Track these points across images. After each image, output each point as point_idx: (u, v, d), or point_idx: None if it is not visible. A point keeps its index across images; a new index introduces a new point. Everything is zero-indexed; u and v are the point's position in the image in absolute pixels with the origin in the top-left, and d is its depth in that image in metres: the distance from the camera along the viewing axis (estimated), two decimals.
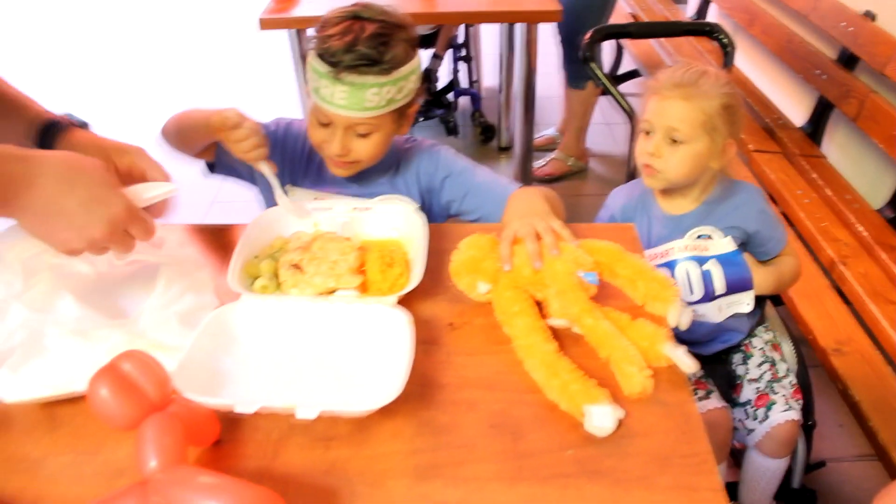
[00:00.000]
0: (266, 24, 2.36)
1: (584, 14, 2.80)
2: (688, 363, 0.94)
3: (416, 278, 1.06)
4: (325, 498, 0.80)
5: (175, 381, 0.84)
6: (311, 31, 1.31)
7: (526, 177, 2.77)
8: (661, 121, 1.40)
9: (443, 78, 3.59)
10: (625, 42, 3.59)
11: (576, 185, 3.22)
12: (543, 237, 1.05)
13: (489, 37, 3.84)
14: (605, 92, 3.83)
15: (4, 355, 0.88)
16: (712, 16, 3.78)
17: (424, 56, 3.52)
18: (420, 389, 0.94)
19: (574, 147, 3.21)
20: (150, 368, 0.81)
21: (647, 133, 1.44)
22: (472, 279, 1.06)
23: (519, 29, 2.43)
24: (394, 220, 1.22)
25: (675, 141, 1.39)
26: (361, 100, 1.23)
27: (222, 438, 0.88)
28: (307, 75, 1.29)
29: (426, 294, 1.10)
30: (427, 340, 1.02)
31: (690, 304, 1.46)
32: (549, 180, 3.18)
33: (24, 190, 0.83)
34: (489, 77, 3.94)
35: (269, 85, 4.31)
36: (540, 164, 3.23)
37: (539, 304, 1.05)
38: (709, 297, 1.45)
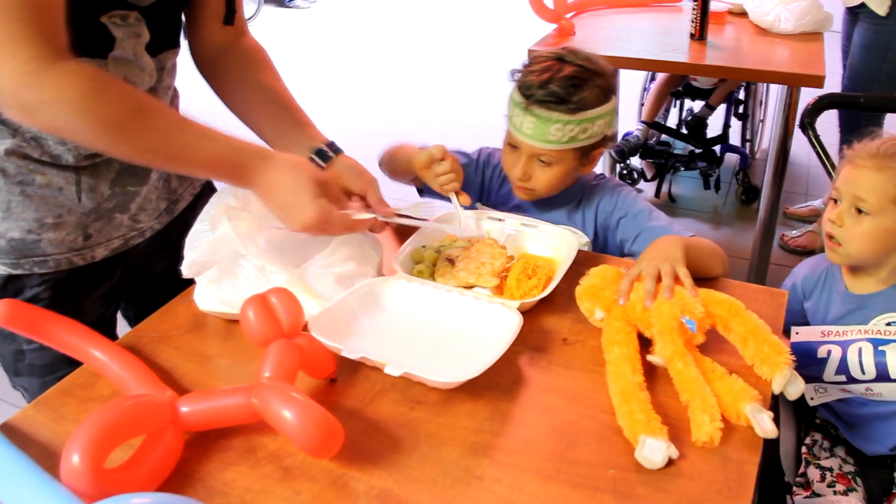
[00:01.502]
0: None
1: (871, 85, 2.66)
2: (767, 428, 0.95)
3: (545, 292, 1.17)
4: (391, 444, 0.96)
5: (310, 322, 1.05)
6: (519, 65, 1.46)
7: (768, 241, 2.67)
8: (848, 189, 1.37)
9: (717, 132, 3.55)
10: None
11: None
12: (663, 279, 1.11)
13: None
14: None
15: (206, 265, 1.15)
16: None
17: (698, 107, 3.51)
18: (510, 384, 1.06)
19: None
20: (291, 305, 1.03)
21: (835, 202, 1.40)
22: (591, 304, 1.15)
23: (779, 90, 2.38)
24: (554, 240, 1.34)
25: (860, 211, 1.34)
26: (545, 132, 1.35)
27: (338, 378, 1.07)
28: (505, 108, 1.44)
29: (557, 309, 1.20)
30: (537, 347, 1.13)
31: (863, 381, 1.39)
32: (800, 252, 3.02)
33: (257, 177, 1.09)
34: (767, 140, 3.80)
35: None
36: (794, 234, 3.08)
37: (647, 340, 1.10)
38: (882, 378, 1.37)
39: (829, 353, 1.41)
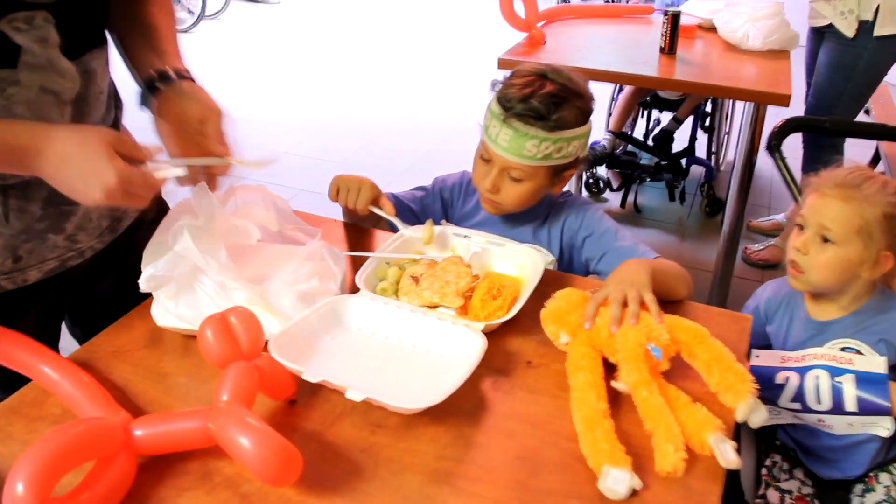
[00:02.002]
0: (504, 64, 2.54)
1: (835, 104, 2.69)
2: (730, 459, 0.95)
3: (508, 315, 1.16)
4: (351, 470, 0.94)
5: (270, 342, 1.02)
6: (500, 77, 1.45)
7: (730, 256, 2.70)
8: (814, 217, 1.38)
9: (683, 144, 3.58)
10: None
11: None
12: (629, 305, 1.11)
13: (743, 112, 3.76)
14: None
15: (164, 280, 1.12)
16: None
17: (666, 118, 3.53)
18: (473, 408, 1.04)
19: None
20: (250, 325, 1.00)
21: (801, 228, 1.41)
22: (556, 328, 1.14)
23: (745, 106, 2.40)
24: (520, 259, 1.33)
25: (825, 240, 1.35)
26: (521, 147, 1.34)
27: (298, 400, 1.04)
28: (483, 118, 1.43)
29: (521, 330, 1.19)
30: (501, 370, 1.12)
31: (816, 412, 1.40)
32: (762, 266, 3.06)
33: (35, 158, 0.95)
34: (732, 152, 3.84)
35: None
36: (757, 247, 3.12)
37: (611, 366, 1.10)
38: (837, 411, 1.39)
39: (786, 379, 1.42)
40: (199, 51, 6.50)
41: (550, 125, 1.34)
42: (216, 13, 7.55)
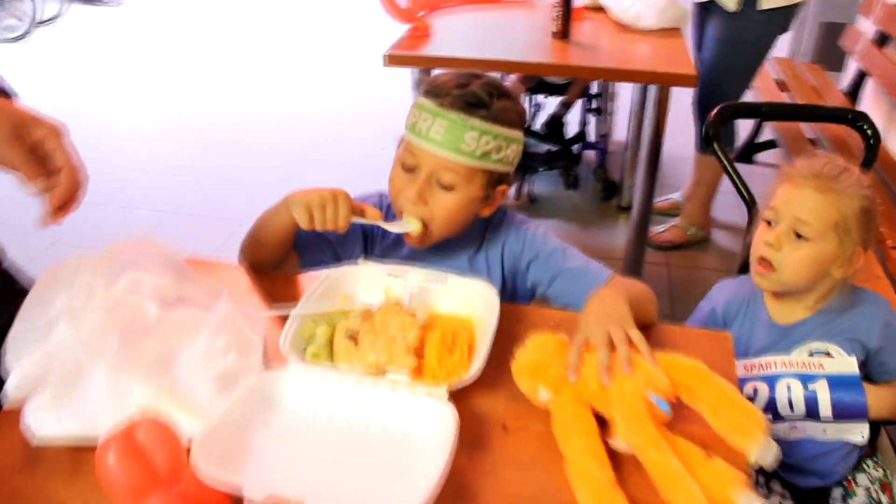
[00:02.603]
0: (392, 60, 2.34)
1: (725, 78, 2.65)
2: None
3: (473, 372, 0.97)
4: None
5: (193, 453, 0.79)
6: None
7: (641, 242, 2.62)
8: (788, 210, 1.27)
9: (574, 129, 3.49)
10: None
11: (694, 256, 3.03)
12: (618, 349, 0.95)
13: (626, 91, 3.71)
14: (740, 160, 3.66)
15: (38, 384, 0.86)
16: (868, 92, 3.51)
17: (552, 103, 3.44)
18: (451, 499, 0.85)
19: (698, 215, 3.03)
20: (165, 439, 0.77)
21: (770, 223, 1.30)
22: (533, 383, 0.96)
23: (652, 88, 2.31)
24: (467, 296, 1.14)
25: (799, 236, 1.25)
26: (458, 139, 1.16)
27: None
28: (406, 120, 1.24)
29: (485, 384, 1.00)
30: (474, 443, 0.93)
31: (790, 420, 1.31)
32: (666, 248, 3.01)
33: None
34: (620, 132, 3.81)
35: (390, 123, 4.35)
36: (659, 229, 3.07)
37: (604, 420, 0.94)
38: (812, 416, 1.29)
39: (755, 390, 1.33)
40: (34, 59, 5.91)
41: (493, 114, 1.17)
42: (52, 18, 6.89)
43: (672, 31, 2.51)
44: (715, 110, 1.61)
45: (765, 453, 0.90)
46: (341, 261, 1.36)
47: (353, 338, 1.03)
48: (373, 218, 1.20)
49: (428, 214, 1.22)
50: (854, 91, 3.42)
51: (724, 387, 0.94)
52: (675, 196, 3.28)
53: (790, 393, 1.29)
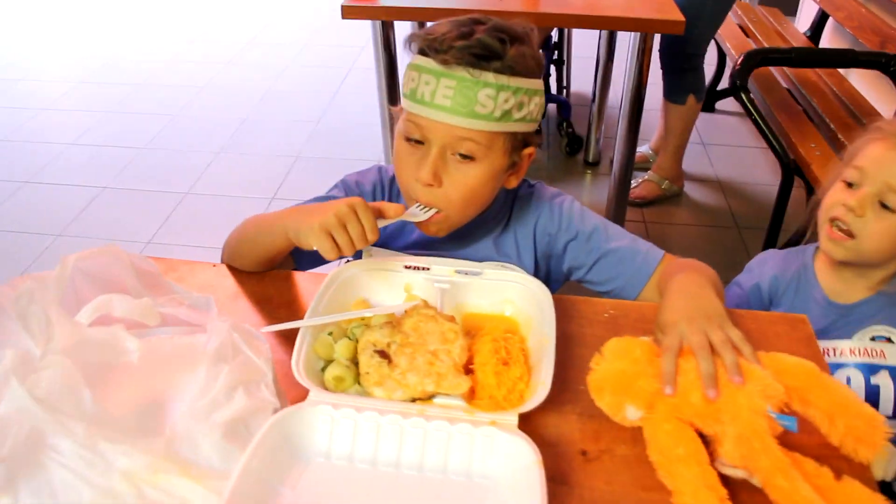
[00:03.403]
0: (348, 12, 2.10)
1: (696, 23, 2.48)
2: None
3: (543, 388, 0.79)
4: None
5: None
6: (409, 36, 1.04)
7: (623, 200, 2.48)
8: (878, 173, 1.10)
9: None
10: (728, 48, 3.24)
11: (668, 211, 2.90)
12: (722, 354, 0.77)
13: (583, 40, 3.53)
14: (706, 107, 3.54)
15: None
16: (828, 32, 3.42)
17: None
18: None
19: (670, 168, 2.89)
20: None
21: (851, 185, 1.14)
22: (618, 400, 0.79)
23: (632, 37, 2.14)
24: (507, 291, 0.95)
25: (885, 206, 1.10)
26: (471, 100, 0.94)
27: None
28: (402, 86, 1.02)
29: (550, 401, 0.82)
30: (551, 475, 0.74)
31: None
32: (640, 204, 2.87)
33: None
34: (580, 84, 3.63)
35: (351, 82, 4.06)
36: (631, 185, 2.92)
37: (703, 437, 0.77)
38: None
39: None
40: None
41: (508, 64, 0.95)
42: None
43: None
44: (741, 57, 1.45)
45: (890, 465, 0.76)
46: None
47: (384, 354, 0.83)
48: (396, 215, 0.98)
49: (445, 197, 1.01)
50: (816, 33, 3.33)
51: (839, 389, 0.79)
52: (644, 149, 3.13)
53: (851, 385, 1.15)
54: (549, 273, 1.16)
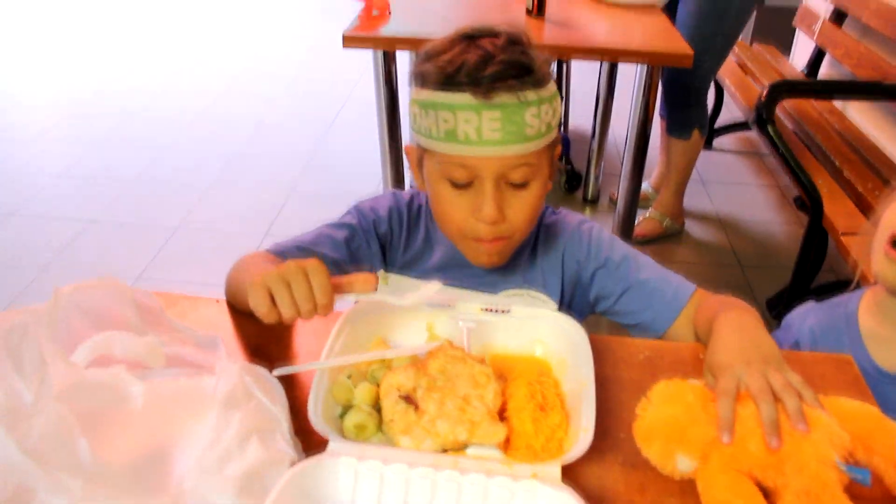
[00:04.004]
0: (350, 41, 2.06)
1: (705, 55, 2.47)
2: None
3: (586, 435, 0.72)
4: None
5: None
6: (409, 70, 0.98)
7: (627, 238, 2.42)
8: None
9: None
10: (727, 85, 3.23)
11: (670, 249, 2.85)
12: (784, 400, 0.70)
13: (581, 76, 3.51)
14: (704, 145, 3.52)
15: None
16: (825, 69, 3.42)
17: None
18: None
19: (672, 205, 2.85)
20: None
21: None
22: (669, 449, 0.71)
23: (638, 71, 2.10)
24: (538, 330, 0.88)
25: None
26: (520, 125, 0.89)
27: None
28: (421, 126, 0.95)
29: (590, 450, 0.75)
30: None
31: None
32: (641, 242, 2.82)
33: None
34: (578, 119, 3.60)
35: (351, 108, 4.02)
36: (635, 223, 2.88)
37: (762, 490, 0.70)
38: None
39: None
40: None
41: (540, 77, 0.91)
42: None
43: (650, 9, 2.30)
44: (765, 89, 1.41)
45: None
46: None
47: (410, 399, 0.76)
48: (364, 290, 0.84)
49: (510, 228, 0.97)
50: (813, 70, 3.33)
51: None
52: (643, 186, 3.09)
53: None
54: (574, 302, 1.10)
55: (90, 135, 3.68)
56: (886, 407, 1.06)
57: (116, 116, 3.91)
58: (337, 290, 0.80)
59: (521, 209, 0.96)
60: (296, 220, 2.85)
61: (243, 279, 0.92)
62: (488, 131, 0.89)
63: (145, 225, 2.85)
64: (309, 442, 0.73)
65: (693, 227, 2.98)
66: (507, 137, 0.89)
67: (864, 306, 1.16)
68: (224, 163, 3.38)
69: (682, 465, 0.71)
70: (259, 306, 0.77)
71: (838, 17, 3.22)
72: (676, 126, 2.70)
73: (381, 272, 1.06)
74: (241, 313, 0.97)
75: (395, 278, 1.05)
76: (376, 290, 0.84)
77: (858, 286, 1.18)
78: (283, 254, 1.02)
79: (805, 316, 1.22)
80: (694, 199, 3.12)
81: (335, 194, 3.05)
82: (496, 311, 0.89)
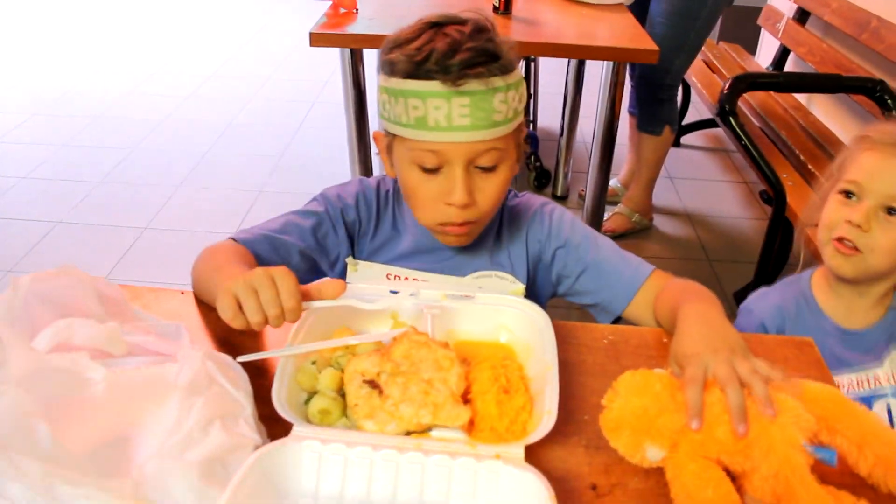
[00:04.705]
0: (316, 39, 2.05)
1: (677, 54, 2.50)
2: None
3: (549, 417, 0.73)
4: None
5: None
6: (376, 64, 0.99)
7: None
8: (877, 185, 1.08)
9: None
10: (694, 83, 3.27)
11: (639, 244, 2.88)
12: (752, 385, 0.71)
13: (549, 76, 3.54)
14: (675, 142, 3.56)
15: None
16: (790, 67, 3.48)
17: None
18: None
19: (640, 201, 2.87)
20: None
21: (848, 196, 1.12)
22: (637, 440, 0.72)
23: (605, 68, 2.12)
24: (502, 316, 0.89)
25: (892, 212, 1.08)
26: (488, 111, 0.91)
27: None
28: (390, 114, 0.96)
29: (549, 433, 0.75)
30: None
31: None
32: (611, 237, 2.84)
33: None
34: (546, 117, 3.62)
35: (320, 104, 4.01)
36: (603, 218, 2.90)
37: (728, 473, 0.71)
38: None
39: None
40: None
41: (506, 64, 0.92)
42: None
43: (616, 7, 2.32)
44: (728, 83, 1.43)
45: None
46: (326, 273, 1.09)
47: (374, 384, 0.76)
48: (334, 295, 0.84)
49: (478, 211, 0.99)
50: (778, 68, 3.39)
51: (868, 416, 0.74)
52: (612, 182, 3.12)
53: (891, 415, 1.12)
54: (538, 283, 1.12)
55: (57, 136, 3.63)
56: (863, 362, 1.10)
57: (84, 118, 3.85)
58: (305, 296, 0.81)
59: (490, 193, 0.98)
60: (264, 220, 2.83)
61: (210, 276, 0.93)
62: (458, 118, 0.90)
63: (112, 226, 2.82)
64: (274, 430, 0.73)
65: (661, 223, 3.01)
66: (476, 123, 0.90)
67: (816, 283, 1.22)
68: (192, 164, 3.35)
69: (651, 454, 0.72)
70: (225, 311, 0.78)
71: (802, 15, 3.28)
72: (647, 122, 2.73)
73: (349, 259, 1.07)
74: (207, 305, 0.97)
75: (363, 265, 1.06)
76: (341, 293, 0.84)
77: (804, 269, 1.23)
78: (248, 242, 1.02)
79: (765, 297, 1.25)
80: (662, 195, 3.15)
81: (303, 195, 3.03)
82: (460, 296, 0.90)
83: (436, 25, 0.95)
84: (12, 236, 2.72)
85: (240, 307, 0.78)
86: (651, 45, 1.97)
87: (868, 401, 1.11)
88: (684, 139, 3.69)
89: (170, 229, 2.79)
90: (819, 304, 1.19)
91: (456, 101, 0.89)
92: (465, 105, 0.89)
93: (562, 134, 3.05)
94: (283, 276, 0.79)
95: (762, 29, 3.64)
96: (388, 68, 0.95)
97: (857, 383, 1.12)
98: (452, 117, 0.90)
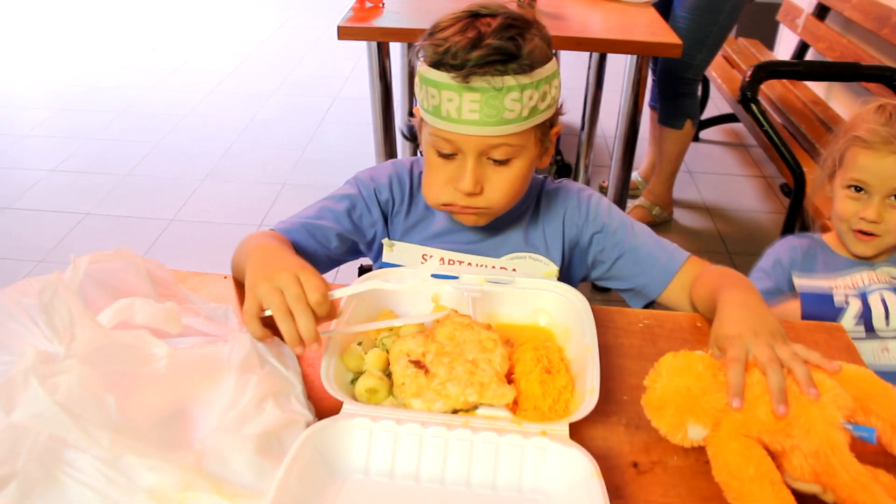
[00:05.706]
0: (344, 33, 2.08)
1: (700, 48, 2.51)
2: None
3: (592, 396, 0.74)
4: None
5: None
6: (418, 44, 1.01)
7: None
8: (881, 182, 1.21)
9: None
10: (713, 77, 3.27)
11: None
12: (792, 367, 0.73)
13: (568, 70, 3.53)
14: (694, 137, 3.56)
15: None
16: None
17: None
18: None
19: (661, 194, 2.88)
20: None
21: (856, 189, 1.24)
22: (680, 419, 0.73)
23: (628, 62, 2.13)
24: (541, 300, 0.91)
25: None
26: (499, 109, 0.92)
27: None
28: (419, 97, 0.99)
29: (591, 412, 0.77)
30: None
31: (882, 337, 1.23)
32: None
33: None
34: (568, 113, 3.62)
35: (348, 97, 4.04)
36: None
37: (769, 452, 0.72)
38: None
39: (846, 301, 1.24)
40: None
41: (526, 63, 0.92)
42: None
43: (642, 4, 2.33)
44: (750, 70, 1.43)
45: None
46: (364, 254, 1.12)
47: (420, 364, 0.78)
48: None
49: (486, 201, 1.00)
50: None
51: None
52: (633, 175, 3.13)
53: (886, 305, 1.21)
54: (573, 266, 1.14)
55: (84, 130, 3.68)
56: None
57: (110, 112, 3.90)
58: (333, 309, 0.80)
59: (500, 185, 0.99)
60: (288, 212, 2.83)
61: (245, 256, 0.93)
62: (467, 112, 0.92)
63: (139, 217, 2.85)
64: (320, 411, 0.75)
65: (681, 216, 3.02)
66: (485, 119, 0.92)
67: (828, 238, 1.35)
68: (217, 158, 3.39)
69: (693, 433, 0.73)
70: (247, 317, 0.77)
71: (821, 11, 3.28)
72: (669, 116, 2.73)
73: (385, 240, 1.10)
74: None
75: (400, 246, 1.09)
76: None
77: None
78: (287, 231, 1.05)
79: (779, 245, 1.37)
80: (682, 189, 3.15)
81: (327, 187, 3.06)
82: (499, 282, 0.92)
83: (473, 16, 0.96)
84: (42, 227, 2.77)
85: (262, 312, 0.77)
86: (674, 39, 1.98)
87: (864, 294, 1.22)
88: (703, 134, 3.69)
89: (196, 221, 2.83)
90: (831, 248, 1.33)
91: (466, 97, 0.91)
92: (475, 101, 0.91)
93: (582, 128, 3.05)
94: (306, 272, 0.80)
95: (780, 24, 3.63)
96: (421, 53, 0.97)
97: (853, 284, 1.24)
98: (462, 111, 0.92)
